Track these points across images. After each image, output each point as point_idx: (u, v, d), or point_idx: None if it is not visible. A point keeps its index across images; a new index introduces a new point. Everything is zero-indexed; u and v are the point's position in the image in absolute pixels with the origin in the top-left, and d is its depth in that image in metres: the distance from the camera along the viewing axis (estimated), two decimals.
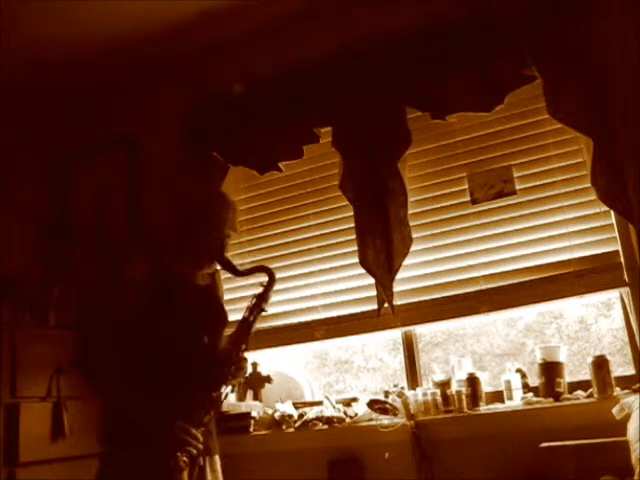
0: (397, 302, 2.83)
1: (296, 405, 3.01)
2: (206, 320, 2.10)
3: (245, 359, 2.08)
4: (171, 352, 1.96)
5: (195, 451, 1.86)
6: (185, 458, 1.84)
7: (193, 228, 2.08)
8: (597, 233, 2.62)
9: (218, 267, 2.18)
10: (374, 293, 2.86)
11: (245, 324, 2.09)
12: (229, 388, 2.06)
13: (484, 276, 2.76)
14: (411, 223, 2.82)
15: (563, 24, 2.62)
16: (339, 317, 3.00)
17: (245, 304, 3.16)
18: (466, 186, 2.85)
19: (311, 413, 2.89)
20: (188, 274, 2.10)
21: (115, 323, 1.95)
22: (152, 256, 2.03)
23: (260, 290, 2.13)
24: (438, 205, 2.90)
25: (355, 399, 2.93)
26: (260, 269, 2.16)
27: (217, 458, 2.09)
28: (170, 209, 2.22)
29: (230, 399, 3.12)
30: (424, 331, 3.08)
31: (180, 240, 2.09)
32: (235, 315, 3.19)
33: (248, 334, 2.08)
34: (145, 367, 1.94)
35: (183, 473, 1.87)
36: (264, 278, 2.15)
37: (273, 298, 3.11)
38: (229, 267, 2.13)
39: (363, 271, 2.85)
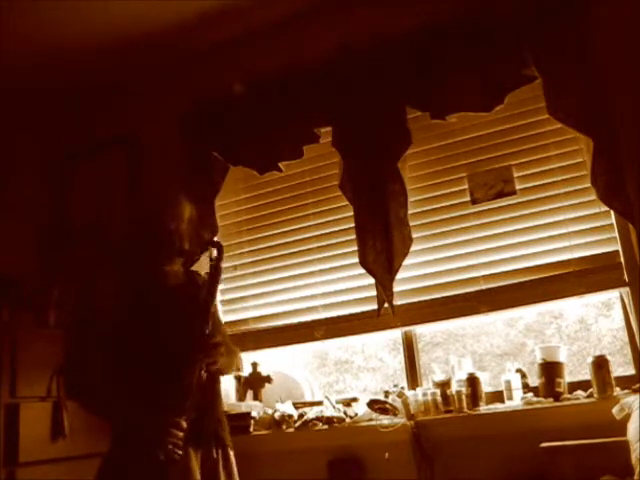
0: (397, 302, 2.82)
1: (296, 405, 3.01)
2: (183, 318, 2.06)
3: (214, 336, 2.02)
4: (145, 351, 1.98)
5: (179, 441, 1.86)
6: (178, 450, 1.85)
7: (148, 226, 2.11)
8: (597, 233, 2.62)
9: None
10: (374, 293, 2.86)
11: (202, 301, 2.04)
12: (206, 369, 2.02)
13: (484, 276, 2.76)
14: (411, 223, 2.82)
15: (563, 24, 2.63)
16: (339, 317, 3.00)
17: (244, 304, 3.20)
18: (466, 186, 2.85)
19: (311, 413, 2.89)
20: (158, 274, 2.11)
21: (98, 330, 1.99)
22: (123, 260, 2.07)
23: (212, 264, 2.08)
24: (438, 205, 2.90)
25: (355, 399, 2.93)
26: (209, 244, 2.14)
27: (231, 453, 2.10)
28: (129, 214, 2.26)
29: (230, 399, 3.14)
30: (424, 331, 3.08)
31: (140, 240, 2.13)
32: (232, 315, 3.22)
33: (207, 311, 2.02)
34: (126, 368, 1.98)
35: (191, 464, 1.90)
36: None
37: (274, 298, 3.15)
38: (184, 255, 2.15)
39: (363, 271, 2.85)
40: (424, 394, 2.70)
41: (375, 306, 2.84)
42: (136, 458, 1.88)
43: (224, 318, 3.23)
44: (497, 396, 2.72)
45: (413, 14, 2.91)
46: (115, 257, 2.10)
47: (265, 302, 3.17)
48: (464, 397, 2.65)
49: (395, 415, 2.69)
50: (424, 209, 2.92)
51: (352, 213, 2.94)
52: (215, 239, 2.17)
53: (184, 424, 1.88)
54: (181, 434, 1.87)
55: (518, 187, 2.76)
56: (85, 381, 1.98)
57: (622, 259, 2.54)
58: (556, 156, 2.72)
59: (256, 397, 3.12)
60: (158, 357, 1.98)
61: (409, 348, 2.93)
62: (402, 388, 2.78)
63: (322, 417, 2.83)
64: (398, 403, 2.69)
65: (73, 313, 2.07)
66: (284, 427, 2.90)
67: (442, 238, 2.87)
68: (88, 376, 1.97)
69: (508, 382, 2.66)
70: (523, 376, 2.67)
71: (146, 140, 3.55)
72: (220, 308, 3.27)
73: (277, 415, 2.94)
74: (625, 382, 2.50)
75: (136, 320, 2.01)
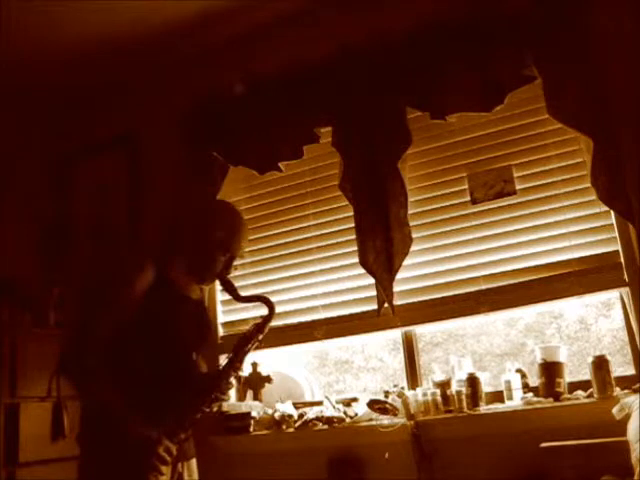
0: (397, 302, 2.82)
1: (296, 405, 3.01)
2: (196, 335, 2.09)
3: (232, 385, 2.09)
4: (161, 365, 1.94)
5: (165, 466, 1.84)
6: (156, 473, 1.82)
7: (206, 246, 2.04)
8: (597, 233, 2.62)
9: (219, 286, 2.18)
10: (374, 293, 2.86)
11: (239, 353, 2.07)
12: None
13: (484, 276, 2.76)
14: (411, 223, 2.82)
15: (563, 24, 2.62)
16: (339, 317, 3.00)
17: (244, 304, 3.18)
18: (466, 186, 2.85)
19: (311, 413, 2.89)
20: (186, 287, 2.08)
21: (109, 325, 1.89)
22: (157, 265, 1.98)
23: (259, 322, 2.12)
24: (438, 205, 2.90)
25: (355, 399, 2.93)
26: (261, 299, 2.17)
27: (194, 461, 2.08)
28: (178, 218, 2.19)
29: (230, 399, 3.13)
30: (424, 331, 3.07)
31: (188, 254, 2.06)
32: (231, 315, 3.21)
33: (241, 362, 2.07)
34: (134, 377, 1.91)
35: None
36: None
37: (274, 299, 3.14)
38: (230, 290, 2.13)
39: (363, 271, 2.85)
40: (424, 394, 2.70)
41: (375, 306, 2.84)
42: (120, 472, 1.83)
43: (224, 318, 3.25)
44: (497, 396, 2.72)
45: (413, 14, 2.91)
46: (152, 255, 2.02)
47: None
48: (464, 397, 2.65)
49: (395, 415, 2.69)
50: (424, 209, 2.92)
51: (352, 213, 2.94)
52: (267, 297, 2.17)
53: (174, 451, 1.85)
54: (169, 459, 1.83)
55: (518, 187, 2.76)
56: (83, 372, 1.87)
57: (622, 259, 2.54)
58: (556, 156, 2.72)
59: (256, 397, 3.12)
60: (175, 379, 1.96)
61: (409, 348, 2.93)
62: (402, 388, 2.78)
63: (322, 417, 2.83)
64: (398, 403, 2.69)
65: (83, 312, 2.00)
66: (284, 427, 2.90)
67: (442, 238, 2.87)
68: (87, 367, 1.86)
69: (508, 382, 2.66)
70: (523, 376, 2.67)
71: (146, 140, 3.55)
72: (220, 308, 3.27)
73: (277, 415, 2.94)
74: (625, 382, 2.50)
75: (154, 329, 1.93)
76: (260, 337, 2.10)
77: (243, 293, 3.18)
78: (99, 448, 1.89)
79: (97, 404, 1.91)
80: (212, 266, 2.06)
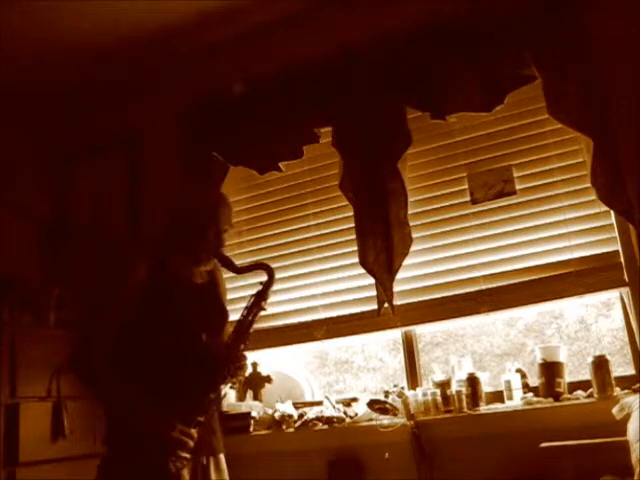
0: (397, 302, 2.82)
1: (296, 405, 3.01)
2: (205, 319, 2.09)
3: (245, 358, 2.08)
4: (169, 352, 1.95)
5: (188, 454, 1.84)
6: (185, 462, 1.83)
7: (191, 225, 2.06)
8: (597, 233, 2.62)
9: (218, 265, 2.17)
10: (374, 293, 2.86)
11: (244, 323, 2.07)
12: (228, 387, 2.06)
13: (484, 276, 2.76)
14: (411, 223, 2.82)
15: (563, 24, 2.63)
16: (339, 317, 3.00)
17: (244, 304, 3.18)
18: (466, 186, 2.85)
19: (311, 413, 2.89)
20: (186, 272, 2.08)
21: (114, 323, 1.92)
22: (152, 255, 2.01)
23: (259, 288, 2.12)
24: (438, 205, 2.90)
25: (355, 399, 2.93)
26: (259, 266, 2.16)
27: (222, 457, 2.08)
28: (167, 207, 2.21)
29: (230, 399, 3.13)
30: (424, 331, 3.07)
31: (178, 237, 2.08)
32: (235, 315, 3.21)
33: (247, 333, 2.07)
34: (143, 367, 1.93)
35: (183, 472, 1.86)
36: (264, 277, 2.13)
37: (274, 299, 3.14)
38: (228, 264, 2.12)
39: (363, 271, 2.85)
40: (424, 394, 2.70)
41: (375, 306, 2.84)
42: (141, 464, 1.84)
43: None
44: (497, 396, 2.72)
45: (413, 14, 2.91)
46: (146, 250, 2.05)
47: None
48: (464, 397, 2.65)
49: (395, 415, 2.69)
50: (424, 209, 2.92)
51: (352, 213, 2.94)
52: (266, 263, 2.16)
53: (195, 435, 1.86)
54: (192, 445, 1.85)
55: (518, 187, 2.76)
56: (93, 371, 1.89)
57: (622, 259, 2.54)
58: (556, 156, 2.72)
59: (256, 397, 3.12)
60: (184, 363, 1.95)
61: (409, 348, 2.94)
62: (402, 388, 2.78)
63: (322, 417, 2.84)
64: (398, 403, 2.69)
65: (88, 310, 2.02)
66: (284, 427, 2.90)
67: (442, 238, 2.87)
68: (96, 367, 1.88)
69: (508, 382, 2.66)
70: (523, 376, 2.67)
71: (146, 140, 3.55)
72: None
73: (277, 415, 2.94)
74: (625, 382, 2.50)
75: (159, 317, 1.95)
76: (264, 305, 2.10)
77: (243, 293, 3.21)
78: (125, 445, 1.90)
79: (108, 401, 1.94)
80: (202, 244, 2.06)
